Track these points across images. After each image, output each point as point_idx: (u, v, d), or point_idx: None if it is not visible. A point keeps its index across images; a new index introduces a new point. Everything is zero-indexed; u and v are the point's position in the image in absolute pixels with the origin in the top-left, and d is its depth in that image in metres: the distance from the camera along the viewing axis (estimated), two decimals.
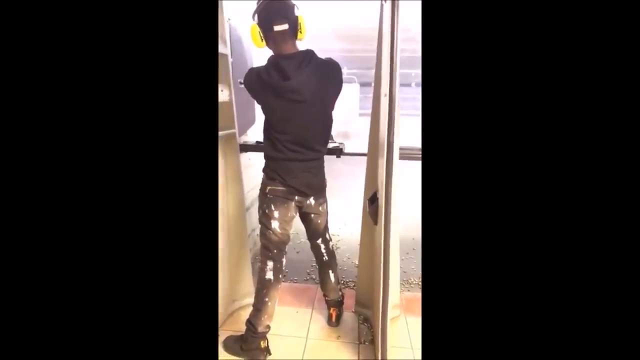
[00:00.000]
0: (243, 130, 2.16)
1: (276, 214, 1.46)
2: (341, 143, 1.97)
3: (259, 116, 1.86)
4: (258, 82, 1.35)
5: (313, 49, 1.37)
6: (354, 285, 2.07)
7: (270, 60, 1.35)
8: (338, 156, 1.91)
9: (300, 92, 1.30)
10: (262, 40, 1.33)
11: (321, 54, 1.38)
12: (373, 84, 1.53)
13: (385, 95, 1.17)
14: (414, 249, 2.60)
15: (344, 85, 1.44)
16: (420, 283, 2.19)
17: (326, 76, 1.36)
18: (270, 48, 1.36)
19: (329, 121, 1.46)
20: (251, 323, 1.52)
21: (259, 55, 1.98)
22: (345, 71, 9.89)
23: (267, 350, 1.54)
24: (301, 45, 1.38)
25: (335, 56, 1.42)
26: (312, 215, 1.57)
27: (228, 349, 1.58)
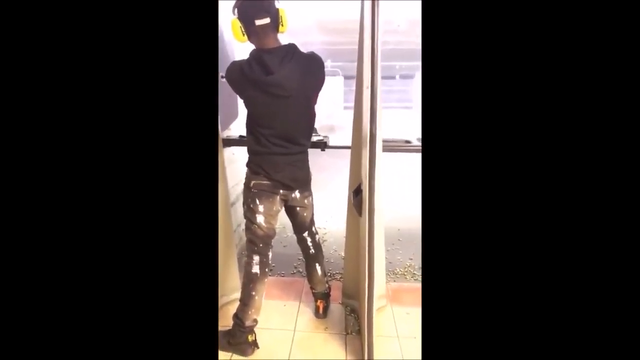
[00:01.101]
0: (226, 125, 2.14)
1: (261, 208, 1.46)
2: (325, 136, 1.97)
3: (242, 110, 1.85)
4: (240, 76, 1.34)
5: (296, 42, 1.37)
6: (340, 277, 2.09)
7: (253, 54, 1.34)
8: (322, 149, 1.92)
9: (283, 86, 1.30)
10: (243, 34, 1.32)
11: (304, 47, 1.38)
12: (355, 78, 1.54)
13: (368, 87, 1.17)
14: (399, 239, 2.64)
15: (328, 78, 1.45)
16: (405, 274, 2.22)
17: (309, 70, 1.35)
18: (252, 42, 1.35)
19: (312, 115, 1.46)
20: (238, 317, 1.52)
21: (240, 48, 1.95)
22: (329, 64, 9.86)
23: (254, 344, 1.55)
24: (284, 38, 1.37)
25: (319, 49, 1.42)
26: (298, 208, 1.57)
27: None
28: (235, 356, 1.53)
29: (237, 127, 2.31)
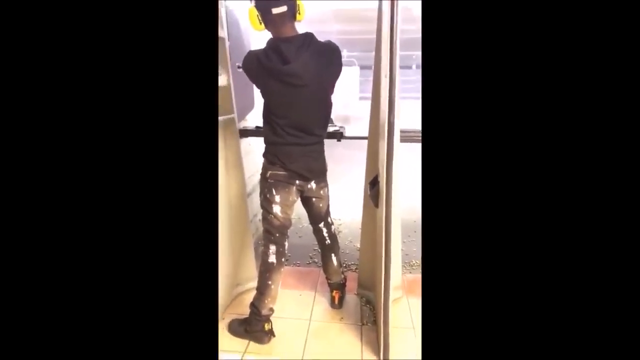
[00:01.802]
0: (242, 116, 2.15)
1: (277, 198, 1.47)
2: (341, 127, 1.96)
3: (258, 101, 1.85)
4: (257, 66, 1.33)
5: (312, 31, 1.35)
6: (356, 268, 2.09)
7: (270, 43, 1.33)
8: (339, 140, 1.90)
9: (299, 76, 1.29)
10: (260, 23, 1.32)
11: (320, 37, 1.36)
12: (373, 67, 1.52)
13: (386, 76, 1.16)
14: (415, 231, 2.62)
15: (344, 68, 1.43)
16: (421, 265, 2.21)
17: (325, 59, 1.34)
18: (269, 31, 1.35)
19: (328, 105, 1.45)
20: (255, 306, 1.54)
21: (257, 38, 1.95)
22: (345, 54, 9.76)
23: (271, 333, 1.57)
24: (300, 27, 1.36)
25: (335, 39, 1.40)
26: (314, 199, 1.58)
27: (233, 331, 1.61)
28: (252, 344, 1.56)
29: (254, 117, 2.32)
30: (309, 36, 1.33)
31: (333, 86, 1.42)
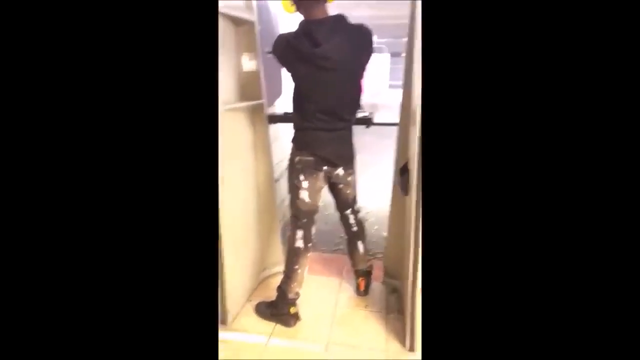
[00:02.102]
0: (271, 102, 2.15)
1: (305, 184, 1.47)
2: (371, 113, 1.93)
3: (286, 87, 1.84)
4: (287, 49, 1.33)
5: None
6: (382, 256, 2.08)
7: (301, 25, 1.32)
8: (367, 126, 1.88)
9: (330, 59, 1.28)
10: (292, 5, 1.31)
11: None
12: (405, 53, 1.48)
13: (418, 62, 1.12)
14: None
15: (375, 55, 1.40)
16: None
17: (357, 42, 1.32)
18: (300, 13, 1.34)
19: (358, 89, 1.43)
20: (282, 289, 1.56)
21: (286, 22, 1.93)
22: (374, 40, 9.58)
23: (297, 316, 1.59)
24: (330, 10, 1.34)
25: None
26: (341, 185, 1.57)
27: (260, 313, 1.64)
28: (278, 327, 1.59)
29: (282, 104, 2.32)
30: (340, 18, 1.31)
31: (364, 70, 1.40)
